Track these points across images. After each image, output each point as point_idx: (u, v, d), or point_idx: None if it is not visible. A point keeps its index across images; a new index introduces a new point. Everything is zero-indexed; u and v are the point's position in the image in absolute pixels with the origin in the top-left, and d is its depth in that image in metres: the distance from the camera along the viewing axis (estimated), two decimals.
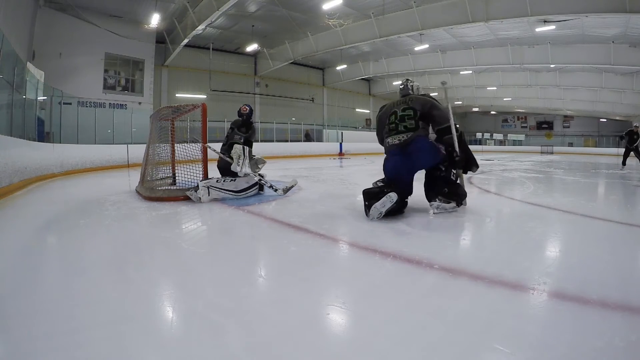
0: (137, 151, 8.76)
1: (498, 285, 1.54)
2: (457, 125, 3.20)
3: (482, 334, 1.16)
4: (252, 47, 16.00)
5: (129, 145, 10.04)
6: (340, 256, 2.13)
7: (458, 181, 3.18)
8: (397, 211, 2.92)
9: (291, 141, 17.71)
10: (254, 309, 1.36)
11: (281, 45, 16.46)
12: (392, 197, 2.73)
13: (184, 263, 1.94)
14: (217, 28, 14.86)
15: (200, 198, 3.74)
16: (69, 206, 3.82)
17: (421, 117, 3.10)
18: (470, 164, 3.30)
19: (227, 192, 3.92)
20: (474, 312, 1.31)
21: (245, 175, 4.01)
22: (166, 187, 4.58)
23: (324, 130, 20.46)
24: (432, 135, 3.16)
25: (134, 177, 6.26)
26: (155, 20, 11.94)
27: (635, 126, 9.84)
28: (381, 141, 3.38)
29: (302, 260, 1.96)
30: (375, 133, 3.58)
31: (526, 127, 35.39)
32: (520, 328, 1.19)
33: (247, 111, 4.54)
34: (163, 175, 5.08)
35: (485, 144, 34.27)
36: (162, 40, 14.65)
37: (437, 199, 2.97)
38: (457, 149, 3.11)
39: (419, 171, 3.13)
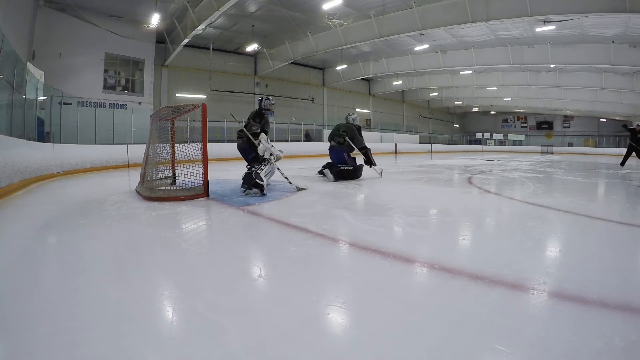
0: (137, 151, 8.76)
1: (498, 285, 1.54)
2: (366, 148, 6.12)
3: (482, 334, 1.16)
4: (252, 47, 16.01)
5: (129, 145, 10.04)
6: (340, 256, 2.13)
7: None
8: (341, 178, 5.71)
9: (291, 141, 17.71)
10: (254, 309, 1.36)
11: (281, 45, 16.47)
12: (328, 173, 5.82)
13: (184, 263, 1.94)
14: (217, 28, 14.86)
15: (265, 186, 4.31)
16: (69, 206, 3.81)
17: (350, 137, 5.84)
18: (371, 163, 6.22)
19: (268, 166, 4.39)
20: (474, 312, 1.31)
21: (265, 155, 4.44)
22: (166, 187, 4.58)
23: (324, 130, 20.46)
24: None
25: (134, 177, 6.26)
26: (155, 20, 11.95)
27: (638, 125, 9.78)
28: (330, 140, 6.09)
29: (302, 260, 1.96)
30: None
31: (526, 127, 35.42)
32: (520, 328, 1.19)
33: (260, 100, 4.83)
34: (163, 175, 5.08)
35: (485, 144, 34.30)
36: (162, 40, 14.65)
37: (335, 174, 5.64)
38: (368, 157, 6.16)
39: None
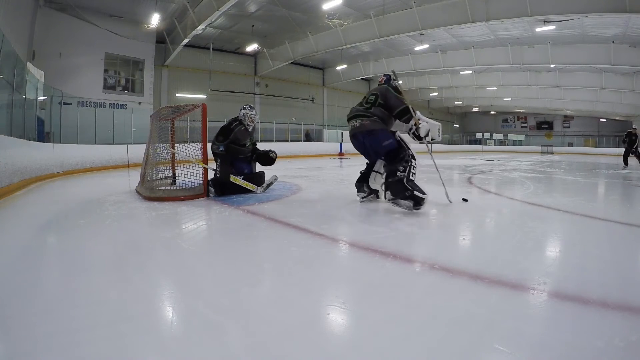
0: (137, 151, 8.76)
1: (498, 285, 1.54)
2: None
3: (482, 334, 1.16)
4: (252, 47, 16.01)
5: (129, 145, 10.04)
6: (340, 256, 2.13)
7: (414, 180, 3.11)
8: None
9: (291, 141, 17.71)
10: (254, 309, 1.36)
11: (281, 45, 16.46)
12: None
13: (184, 263, 1.94)
14: (217, 28, 14.86)
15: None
16: (69, 206, 3.81)
17: (381, 103, 3.36)
18: (432, 133, 3.36)
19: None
20: (474, 312, 1.31)
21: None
22: (166, 187, 4.58)
23: (324, 130, 20.46)
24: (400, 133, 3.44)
25: (134, 177, 6.26)
26: (155, 20, 11.95)
27: (634, 128, 9.89)
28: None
29: (302, 260, 1.96)
30: None
31: (526, 127, 35.41)
32: (520, 328, 1.19)
33: (239, 115, 4.47)
34: (163, 175, 5.08)
35: (485, 144, 34.30)
36: (162, 40, 14.65)
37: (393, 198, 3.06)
38: (418, 124, 3.26)
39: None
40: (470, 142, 34.83)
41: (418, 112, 3.36)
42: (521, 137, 34.96)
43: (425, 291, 1.56)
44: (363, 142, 3.35)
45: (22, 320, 1.28)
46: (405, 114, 3.32)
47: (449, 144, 31.53)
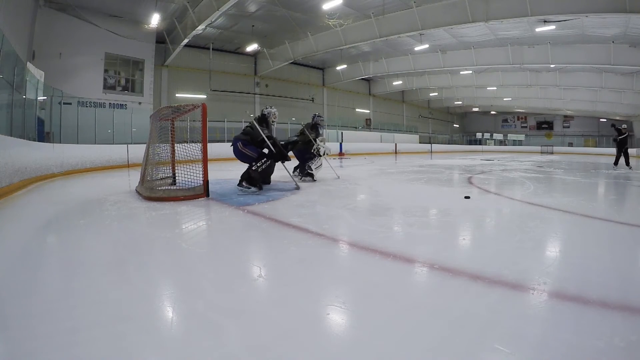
0: (137, 151, 8.77)
1: (498, 285, 1.54)
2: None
3: (482, 334, 1.16)
4: (252, 47, 16.01)
5: (129, 145, 10.04)
6: (340, 256, 2.13)
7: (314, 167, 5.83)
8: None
9: None
10: (254, 309, 1.36)
11: (281, 45, 16.47)
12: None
13: (184, 263, 1.94)
14: (217, 28, 14.86)
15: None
16: (69, 206, 3.82)
17: (304, 133, 5.90)
18: (327, 151, 5.96)
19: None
20: (474, 312, 1.31)
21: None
22: (166, 187, 4.58)
23: (324, 130, 20.44)
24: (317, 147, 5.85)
25: (134, 177, 6.26)
26: (155, 20, 11.95)
27: (624, 127, 9.83)
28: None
29: (302, 260, 1.96)
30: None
31: (526, 127, 35.42)
32: (520, 328, 1.19)
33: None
34: (163, 175, 5.08)
35: (485, 144, 34.27)
36: (162, 40, 14.65)
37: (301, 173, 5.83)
38: (319, 147, 5.79)
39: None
40: (470, 142, 34.80)
41: (318, 140, 5.88)
42: (521, 137, 34.95)
43: (425, 291, 1.56)
44: (297, 154, 5.95)
45: (22, 320, 1.28)
46: (313, 141, 5.83)
47: (449, 144, 31.54)
